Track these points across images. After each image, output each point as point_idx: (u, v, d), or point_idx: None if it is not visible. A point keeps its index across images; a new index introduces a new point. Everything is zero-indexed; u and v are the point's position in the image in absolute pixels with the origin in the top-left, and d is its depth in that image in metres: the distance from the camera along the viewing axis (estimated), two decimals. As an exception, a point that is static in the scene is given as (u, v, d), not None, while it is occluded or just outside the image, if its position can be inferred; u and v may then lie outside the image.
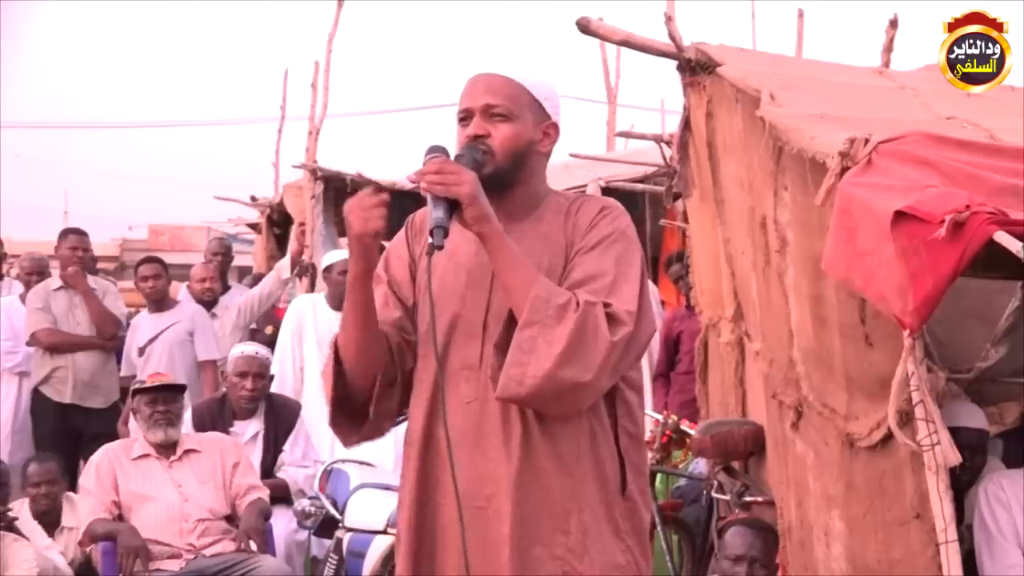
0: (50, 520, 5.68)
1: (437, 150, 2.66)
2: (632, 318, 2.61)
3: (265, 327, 8.50)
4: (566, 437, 2.69)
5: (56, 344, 7.35)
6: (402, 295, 2.86)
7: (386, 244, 2.92)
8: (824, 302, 3.75)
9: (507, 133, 2.73)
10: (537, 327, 2.56)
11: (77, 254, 7.54)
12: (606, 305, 2.60)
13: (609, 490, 2.73)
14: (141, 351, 7.18)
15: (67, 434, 7.29)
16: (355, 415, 2.85)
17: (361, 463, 5.70)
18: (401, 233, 2.94)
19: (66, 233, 7.82)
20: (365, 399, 2.82)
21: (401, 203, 2.87)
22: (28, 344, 7.65)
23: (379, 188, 2.78)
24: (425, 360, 2.80)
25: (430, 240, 2.56)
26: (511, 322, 2.63)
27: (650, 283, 3.09)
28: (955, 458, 2.98)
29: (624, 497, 2.75)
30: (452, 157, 2.68)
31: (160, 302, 7.36)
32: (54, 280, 7.59)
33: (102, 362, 7.42)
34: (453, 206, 2.58)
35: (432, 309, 2.68)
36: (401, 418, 2.92)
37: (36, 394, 7.47)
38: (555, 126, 2.82)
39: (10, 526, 5.26)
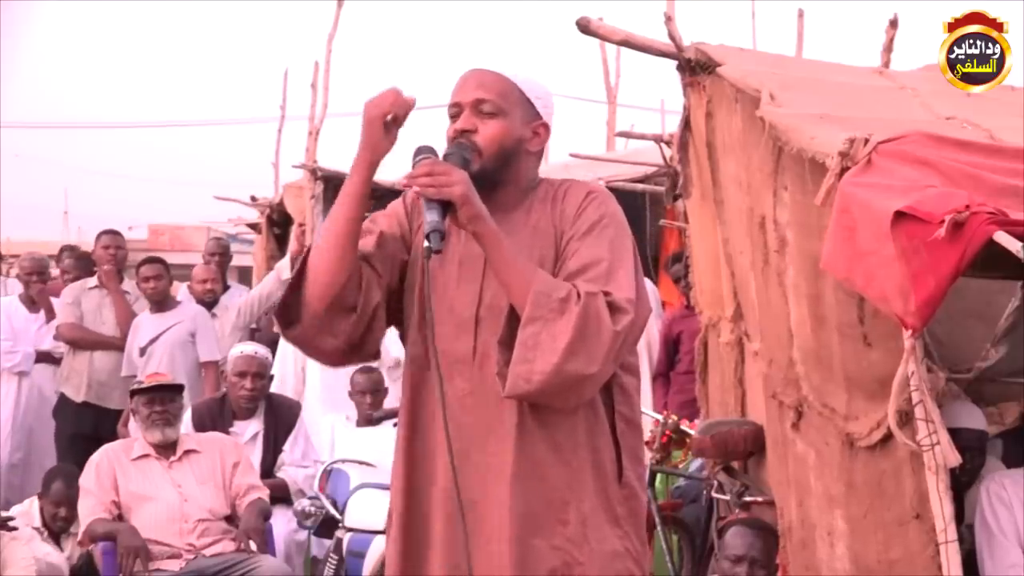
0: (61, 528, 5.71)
1: (426, 151, 2.64)
2: (632, 305, 2.61)
3: None
4: (563, 427, 2.68)
5: (76, 339, 7.44)
6: (386, 245, 2.78)
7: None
8: (822, 302, 3.75)
9: (494, 129, 2.71)
10: (540, 323, 2.55)
11: (109, 252, 7.67)
12: (606, 294, 2.58)
13: (606, 478, 2.73)
14: (142, 351, 7.18)
15: (86, 435, 7.25)
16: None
17: (361, 463, 5.69)
18: (398, 201, 2.89)
19: (101, 234, 7.94)
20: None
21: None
22: (53, 338, 7.79)
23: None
24: (412, 350, 2.78)
25: (427, 244, 2.53)
26: (512, 317, 2.62)
27: (650, 283, 3.09)
28: (955, 459, 2.98)
29: (621, 484, 2.75)
30: (441, 156, 2.65)
31: (161, 303, 7.36)
32: (91, 279, 7.70)
33: (121, 363, 7.42)
34: (447, 207, 2.56)
35: (432, 316, 2.63)
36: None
37: (60, 396, 7.54)
38: (545, 126, 2.80)
39: (3, 525, 5.26)
